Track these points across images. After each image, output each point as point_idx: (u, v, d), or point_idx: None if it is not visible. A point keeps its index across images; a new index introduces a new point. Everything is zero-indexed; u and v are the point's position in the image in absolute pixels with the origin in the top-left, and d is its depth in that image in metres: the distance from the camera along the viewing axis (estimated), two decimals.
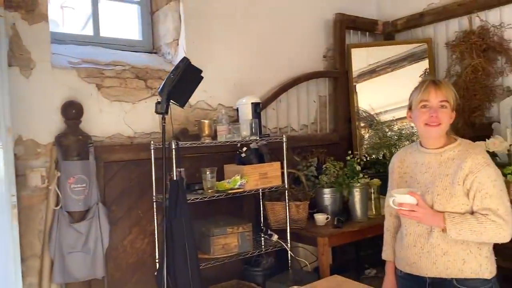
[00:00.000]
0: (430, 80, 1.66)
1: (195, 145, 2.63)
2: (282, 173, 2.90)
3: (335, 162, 3.18)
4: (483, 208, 1.50)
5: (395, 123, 3.79)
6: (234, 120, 3.07)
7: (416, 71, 3.93)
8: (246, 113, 2.89)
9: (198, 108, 3.12)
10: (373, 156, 3.82)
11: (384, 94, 4.02)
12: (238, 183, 2.67)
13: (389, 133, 3.53)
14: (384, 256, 1.88)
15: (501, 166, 2.84)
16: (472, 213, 1.53)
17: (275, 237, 2.94)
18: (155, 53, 3.30)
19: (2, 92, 2.09)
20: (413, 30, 4.09)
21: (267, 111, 3.46)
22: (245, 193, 2.75)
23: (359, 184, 3.05)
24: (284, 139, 2.90)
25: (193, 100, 2.95)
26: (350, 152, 3.27)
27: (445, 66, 3.85)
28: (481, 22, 3.55)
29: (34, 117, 2.49)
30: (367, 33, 4.19)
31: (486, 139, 3.10)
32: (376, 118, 3.94)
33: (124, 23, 3.24)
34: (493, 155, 3.06)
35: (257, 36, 3.46)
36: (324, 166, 3.16)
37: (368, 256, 4.01)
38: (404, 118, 4.02)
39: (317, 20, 3.86)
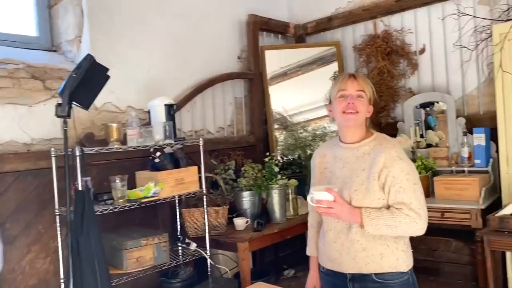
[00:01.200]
0: (348, 73, 1.68)
1: (102, 151, 2.41)
2: (200, 178, 2.78)
3: (253, 164, 3.13)
4: (397, 202, 1.52)
5: (308, 124, 3.86)
6: (146, 123, 2.89)
7: (326, 74, 4.05)
8: (159, 116, 2.72)
9: (104, 111, 2.87)
10: (289, 157, 3.84)
11: (297, 96, 4.08)
12: (152, 190, 2.49)
13: (303, 134, 3.57)
14: (308, 251, 1.86)
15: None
16: (388, 207, 1.55)
17: (193, 245, 2.81)
18: (54, 51, 2.99)
19: None
20: (322, 33, 4.20)
21: (182, 114, 3.31)
22: (160, 201, 2.58)
23: (277, 185, 3.03)
24: (201, 142, 2.79)
25: (99, 101, 2.70)
26: (268, 154, 3.25)
27: (353, 68, 4.00)
28: (385, 27, 3.74)
29: None
30: (280, 35, 4.22)
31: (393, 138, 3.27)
32: (289, 120, 3.97)
33: (18, 17, 2.89)
34: None
35: (169, 35, 3.30)
36: (242, 168, 3.10)
37: (287, 256, 4.04)
38: (317, 119, 4.16)
39: (230, 20, 3.80)
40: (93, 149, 2.34)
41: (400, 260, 1.57)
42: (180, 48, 3.37)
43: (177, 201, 2.92)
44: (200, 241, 2.84)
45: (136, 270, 2.42)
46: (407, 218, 1.50)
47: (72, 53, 2.94)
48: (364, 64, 3.82)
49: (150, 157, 2.66)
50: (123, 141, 2.56)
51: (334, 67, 4.04)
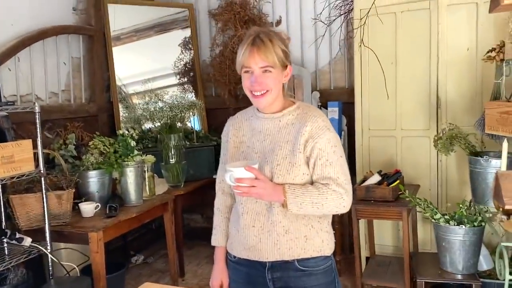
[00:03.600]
0: (253, 37, 1.38)
1: None
2: (35, 155, 2.16)
3: (102, 138, 2.61)
4: (324, 177, 1.35)
5: (162, 92, 3.46)
6: None
7: (176, 39, 3.69)
8: None
9: None
10: (135, 130, 3.38)
11: (140, 62, 3.63)
12: None
13: (158, 104, 3.16)
14: (214, 241, 1.55)
15: None
16: (311, 183, 1.37)
17: (27, 241, 2.18)
18: None
19: None
20: None
21: (1, 72, 2.55)
22: None
23: (133, 162, 2.60)
24: (37, 108, 2.15)
25: None
26: (110, 126, 2.76)
27: (207, 34, 3.74)
28: None
29: None
30: None
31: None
32: (124, 89, 3.48)
33: None
34: None
35: None
36: (91, 143, 2.55)
37: (134, 241, 3.62)
38: (167, 87, 3.78)
39: None
40: None
41: (325, 243, 1.41)
42: None
43: (0, 185, 2.23)
44: (36, 234, 2.24)
45: None
46: (334, 194, 1.33)
47: None
48: (220, 31, 3.59)
49: None
50: None
51: (187, 32, 3.71)
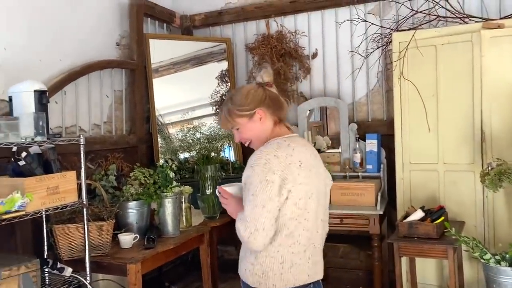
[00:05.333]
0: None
1: None
2: (79, 186, 2.21)
3: (143, 169, 2.65)
4: None
5: (201, 123, 3.51)
6: (3, 114, 2.20)
7: (213, 72, 3.76)
8: (26, 105, 2.08)
9: None
10: (174, 161, 3.42)
11: (179, 93, 3.70)
12: (18, 203, 1.86)
13: (196, 135, 3.20)
14: None
15: None
16: None
17: (68, 271, 2.21)
18: None
19: None
20: (211, 28, 3.90)
21: (48, 105, 2.65)
22: (26, 218, 1.95)
23: (172, 193, 2.61)
24: (82, 141, 2.21)
25: None
26: (149, 157, 2.80)
27: (243, 67, 3.79)
28: (278, 27, 3.61)
29: None
30: (165, 24, 3.78)
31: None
32: (161, 120, 3.53)
33: None
34: None
35: (35, 7, 2.61)
36: (131, 174, 2.59)
37: (171, 272, 3.60)
38: (205, 117, 3.83)
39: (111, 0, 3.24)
40: None
41: (247, 272, 1.53)
42: (49, 25, 2.71)
43: (44, 215, 2.28)
44: (76, 264, 2.26)
45: None
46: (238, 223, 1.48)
47: None
48: (257, 65, 3.64)
49: (12, 159, 2.01)
50: None
51: (223, 65, 3.78)
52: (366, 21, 3.21)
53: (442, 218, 2.41)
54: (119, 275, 2.38)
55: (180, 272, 3.74)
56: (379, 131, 3.23)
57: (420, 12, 2.99)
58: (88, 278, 2.23)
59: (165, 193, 2.60)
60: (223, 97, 3.78)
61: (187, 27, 3.87)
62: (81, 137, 2.23)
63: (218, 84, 3.82)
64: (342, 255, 3.47)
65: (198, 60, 3.75)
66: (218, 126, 3.64)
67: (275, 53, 3.51)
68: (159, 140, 3.46)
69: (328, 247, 3.41)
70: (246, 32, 3.78)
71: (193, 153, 3.51)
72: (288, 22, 3.63)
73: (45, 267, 2.23)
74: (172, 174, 2.63)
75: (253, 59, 3.67)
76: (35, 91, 2.09)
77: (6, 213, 1.83)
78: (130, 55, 3.35)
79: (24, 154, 2.03)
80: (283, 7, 3.60)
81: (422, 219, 2.43)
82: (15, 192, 1.86)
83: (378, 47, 3.15)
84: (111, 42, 3.26)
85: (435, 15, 2.96)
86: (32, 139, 1.99)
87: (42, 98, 2.11)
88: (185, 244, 2.68)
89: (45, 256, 2.31)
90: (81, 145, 2.22)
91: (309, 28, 3.58)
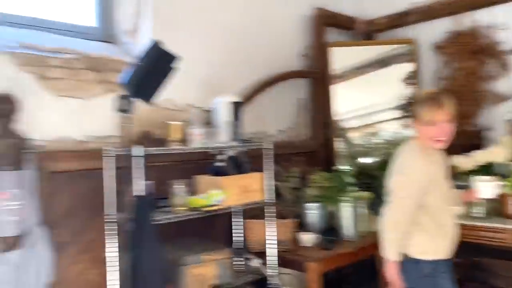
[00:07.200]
0: (437, 100, 1.96)
1: (164, 152, 2.12)
2: (266, 186, 2.46)
3: (322, 172, 2.78)
4: None
5: (381, 128, 3.47)
6: (206, 122, 2.60)
7: (396, 74, 3.65)
8: (224, 115, 2.42)
9: (161, 108, 2.59)
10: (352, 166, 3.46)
11: (363, 97, 3.71)
12: (215, 198, 2.20)
13: (377, 139, 3.18)
14: None
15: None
16: None
17: (255, 261, 2.48)
18: (109, 42, 2.75)
19: None
20: (394, 30, 3.80)
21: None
22: (222, 211, 2.28)
23: (350, 198, 2.67)
24: (271, 146, 2.46)
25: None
26: (328, 161, 2.89)
27: (429, 69, 3.59)
28: (471, 23, 3.31)
29: None
30: (346, 31, 3.86)
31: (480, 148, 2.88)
32: (343, 124, 3.57)
33: (67, 4, 2.66)
34: (489, 165, 2.80)
35: (231, 28, 3.00)
36: (312, 177, 2.75)
37: (350, 276, 3.64)
38: (385, 121, 3.75)
39: (295, 14, 3.48)
40: (157, 149, 2.04)
41: None
42: (243, 44, 3.07)
43: (236, 210, 2.61)
44: (259, 257, 2.51)
45: None
46: None
47: (128, 45, 2.70)
48: (446, 64, 3.39)
49: (214, 160, 2.37)
50: (183, 141, 2.28)
51: (407, 67, 3.64)
52: None
53: None
54: (297, 270, 2.54)
55: (359, 278, 3.73)
56: None
57: None
58: (275, 270, 2.44)
59: (344, 197, 2.67)
60: (408, 100, 3.64)
61: (368, 32, 3.87)
62: (269, 142, 2.47)
63: (402, 86, 3.69)
64: None
65: (380, 64, 3.71)
66: (402, 130, 3.54)
67: (466, 51, 3.23)
68: (339, 144, 3.55)
69: None
70: (433, 32, 3.56)
71: (374, 158, 3.49)
72: (480, 17, 3.29)
73: (238, 256, 2.55)
74: (351, 179, 2.69)
75: (441, 59, 3.43)
76: (232, 102, 2.42)
77: (206, 206, 2.17)
78: (312, 64, 3.54)
79: (222, 156, 2.37)
80: (476, 0, 3.28)
81: None
82: (214, 189, 2.20)
83: None
84: (296, 54, 3.49)
85: None
86: (229, 144, 2.31)
87: (237, 109, 2.43)
88: (364, 249, 2.70)
89: (238, 247, 2.64)
90: (269, 150, 2.47)
91: (506, 21, 3.17)
